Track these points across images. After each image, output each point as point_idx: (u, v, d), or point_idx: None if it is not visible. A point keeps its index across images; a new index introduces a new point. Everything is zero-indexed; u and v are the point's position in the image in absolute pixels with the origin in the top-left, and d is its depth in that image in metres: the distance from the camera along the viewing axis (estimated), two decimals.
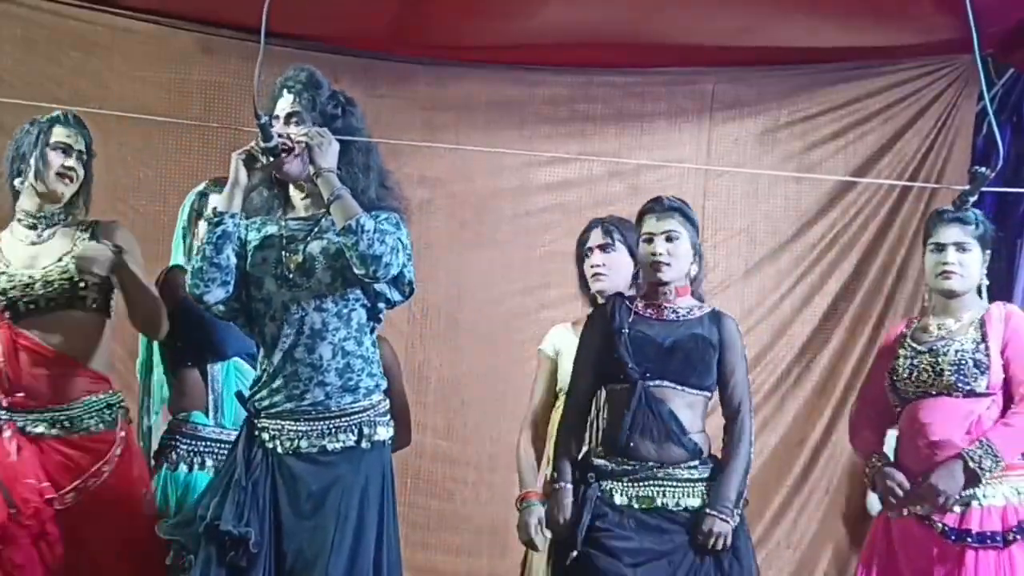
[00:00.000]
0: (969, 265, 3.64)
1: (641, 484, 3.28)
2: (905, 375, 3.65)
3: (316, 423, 3.04)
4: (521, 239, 5.31)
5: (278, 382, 3.07)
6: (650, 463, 3.30)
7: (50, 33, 4.99)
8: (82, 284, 3.45)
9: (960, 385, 3.55)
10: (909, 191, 5.22)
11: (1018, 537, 3.48)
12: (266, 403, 3.09)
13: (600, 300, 3.74)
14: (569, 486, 3.37)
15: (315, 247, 3.08)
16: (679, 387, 3.35)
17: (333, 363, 3.05)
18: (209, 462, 3.67)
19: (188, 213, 3.85)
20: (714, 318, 3.45)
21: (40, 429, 3.40)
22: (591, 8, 4.76)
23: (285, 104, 3.15)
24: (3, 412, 3.39)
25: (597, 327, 3.48)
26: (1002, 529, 3.48)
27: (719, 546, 3.25)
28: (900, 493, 3.56)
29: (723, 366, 3.40)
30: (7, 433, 3.35)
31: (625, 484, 3.31)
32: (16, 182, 3.51)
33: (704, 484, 3.32)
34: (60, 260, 3.48)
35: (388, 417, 3.15)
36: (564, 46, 5.18)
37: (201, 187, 3.85)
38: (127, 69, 5.07)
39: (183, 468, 3.65)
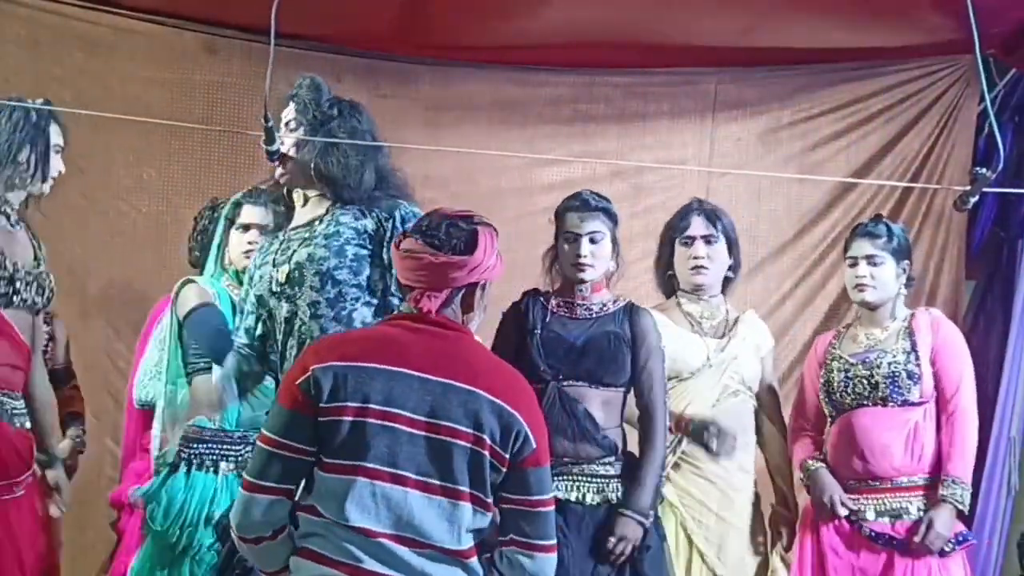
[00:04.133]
0: (881, 277, 3.74)
1: (557, 479, 3.24)
2: (841, 387, 3.75)
3: None
4: (524, 239, 5.30)
5: None
6: (566, 459, 3.31)
7: (53, 33, 4.99)
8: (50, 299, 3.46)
9: (895, 396, 3.67)
10: (911, 192, 5.23)
11: (955, 550, 3.61)
12: None
13: (689, 292, 3.73)
14: None
15: (302, 254, 3.07)
16: (592, 386, 3.36)
17: None
18: (208, 462, 3.70)
19: (222, 223, 3.88)
20: (627, 312, 3.46)
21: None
22: (593, 9, 4.77)
23: (288, 112, 3.20)
24: None
25: (512, 325, 3.48)
26: None
27: (626, 552, 3.26)
28: (838, 510, 3.64)
29: (636, 361, 3.41)
30: None
31: None
32: (17, 179, 3.40)
33: (619, 480, 3.34)
34: (39, 264, 3.42)
35: None
36: (566, 46, 5.18)
37: (237, 196, 3.88)
38: (130, 69, 5.07)
39: (183, 468, 3.69)
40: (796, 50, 5.24)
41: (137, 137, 5.06)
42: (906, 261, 3.79)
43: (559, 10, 4.79)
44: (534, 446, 2.49)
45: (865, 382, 3.69)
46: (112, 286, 5.06)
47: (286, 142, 3.12)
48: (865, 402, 3.69)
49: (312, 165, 3.10)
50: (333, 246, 3.05)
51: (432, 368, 2.49)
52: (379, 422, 2.43)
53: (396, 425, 2.44)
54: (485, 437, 2.45)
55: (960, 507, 3.59)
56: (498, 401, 2.48)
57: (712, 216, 3.83)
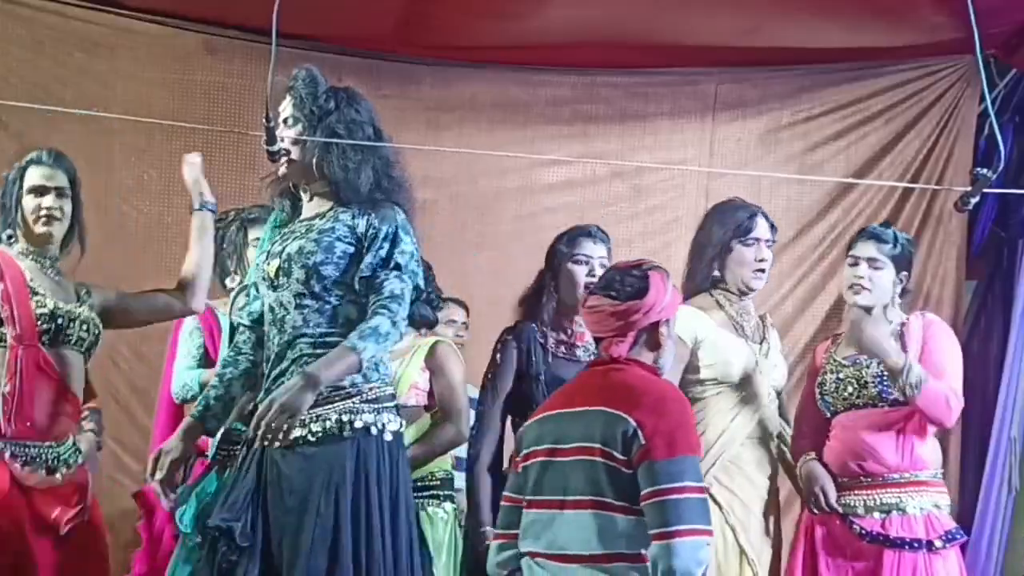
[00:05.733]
0: (878, 281, 3.72)
1: None
2: (832, 389, 3.76)
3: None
4: (524, 239, 5.32)
5: (270, 382, 3.07)
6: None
7: (55, 34, 5.00)
8: (95, 336, 3.46)
9: (884, 396, 3.66)
10: (911, 192, 5.23)
11: (945, 546, 3.60)
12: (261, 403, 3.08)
13: (734, 292, 3.72)
14: (490, 530, 3.36)
15: (293, 247, 3.07)
16: None
17: (313, 358, 2.99)
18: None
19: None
20: None
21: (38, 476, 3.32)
22: (594, 9, 4.77)
23: (285, 107, 3.18)
24: (3, 443, 3.26)
25: (511, 365, 3.54)
26: (924, 537, 3.59)
27: None
28: (829, 500, 3.66)
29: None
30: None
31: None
32: (5, 236, 3.40)
33: None
34: (81, 304, 3.43)
35: (383, 406, 3.05)
36: (567, 47, 5.19)
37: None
38: (131, 70, 5.08)
39: (214, 470, 3.67)
40: (796, 50, 5.25)
41: (138, 137, 5.06)
42: (905, 272, 3.79)
43: (560, 11, 4.80)
44: (642, 442, 2.64)
45: (855, 383, 3.71)
46: (112, 286, 5.06)
47: (286, 139, 3.12)
48: (856, 402, 3.71)
49: (314, 164, 3.11)
50: (323, 242, 3.04)
51: (581, 401, 2.79)
52: (537, 460, 2.82)
53: (546, 459, 2.79)
54: (609, 448, 2.68)
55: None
56: (615, 412, 2.70)
57: (772, 222, 3.83)
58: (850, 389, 3.72)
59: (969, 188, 2.92)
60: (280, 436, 2.92)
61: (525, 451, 2.84)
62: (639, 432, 2.64)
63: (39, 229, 3.39)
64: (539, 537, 2.76)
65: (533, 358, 3.46)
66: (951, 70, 5.24)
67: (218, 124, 4.95)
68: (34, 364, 3.27)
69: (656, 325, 2.84)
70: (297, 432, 2.97)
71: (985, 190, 2.93)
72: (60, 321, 3.33)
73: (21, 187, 3.40)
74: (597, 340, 2.92)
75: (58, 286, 3.43)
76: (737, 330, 3.71)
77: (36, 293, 3.33)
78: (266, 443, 2.94)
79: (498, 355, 3.62)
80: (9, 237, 3.42)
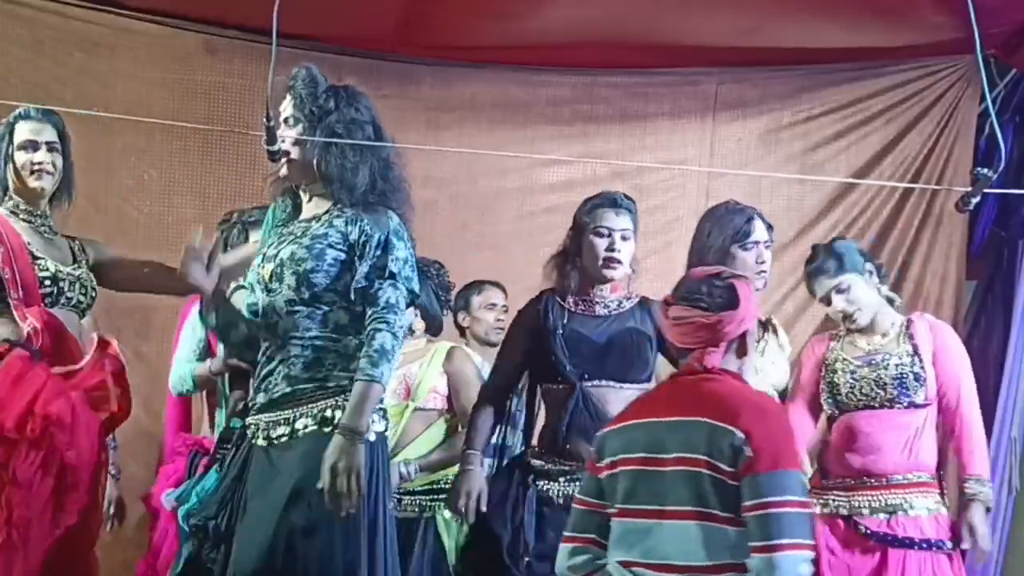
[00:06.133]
0: (860, 298, 3.77)
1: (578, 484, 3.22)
2: (847, 389, 3.77)
3: (283, 411, 3.00)
4: (524, 239, 5.32)
5: (258, 381, 3.09)
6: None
7: (55, 34, 5.00)
8: (91, 300, 3.48)
9: (902, 398, 3.69)
10: (911, 192, 5.23)
11: (953, 548, 3.64)
12: (253, 403, 3.10)
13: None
14: (479, 454, 3.42)
15: (286, 252, 3.06)
16: (618, 384, 3.35)
17: (301, 358, 3.00)
18: None
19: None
20: (644, 307, 3.47)
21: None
22: (594, 9, 4.77)
23: (285, 106, 3.17)
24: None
25: (525, 326, 3.49)
26: (934, 537, 3.62)
27: None
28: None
29: (657, 355, 3.43)
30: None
31: (563, 484, 3.34)
32: None
33: None
34: (79, 266, 3.45)
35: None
36: (567, 47, 5.19)
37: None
38: (132, 70, 5.08)
39: (214, 469, 3.68)
40: (797, 50, 5.25)
41: (138, 137, 5.07)
42: (867, 264, 3.80)
43: (560, 11, 4.80)
44: (749, 454, 2.64)
45: (872, 383, 3.72)
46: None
47: (286, 139, 3.11)
48: (872, 404, 3.72)
49: (314, 164, 3.10)
50: (315, 248, 3.02)
51: (675, 410, 2.76)
52: (628, 468, 2.76)
53: (640, 467, 2.75)
54: (714, 460, 2.66)
55: (989, 504, 3.65)
56: (721, 424, 2.68)
57: (768, 222, 3.83)
58: (867, 389, 3.73)
59: (970, 188, 2.92)
60: (356, 499, 2.86)
61: (611, 459, 2.80)
62: (746, 444, 2.64)
63: (32, 183, 3.41)
64: (634, 546, 2.73)
65: (550, 315, 3.42)
66: (951, 70, 5.24)
67: (218, 124, 4.95)
68: (43, 321, 3.30)
69: (744, 334, 2.84)
70: (282, 429, 2.98)
71: (986, 190, 2.93)
72: (61, 284, 3.36)
73: (11, 143, 3.41)
74: (681, 350, 2.88)
75: (52, 245, 3.44)
76: None
77: (36, 257, 3.35)
78: (343, 513, 2.87)
79: (511, 326, 3.60)
80: (3, 192, 3.41)
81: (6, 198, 3.43)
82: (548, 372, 3.42)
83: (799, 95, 5.42)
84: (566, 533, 2.87)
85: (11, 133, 3.42)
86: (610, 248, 3.41)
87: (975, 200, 2.95)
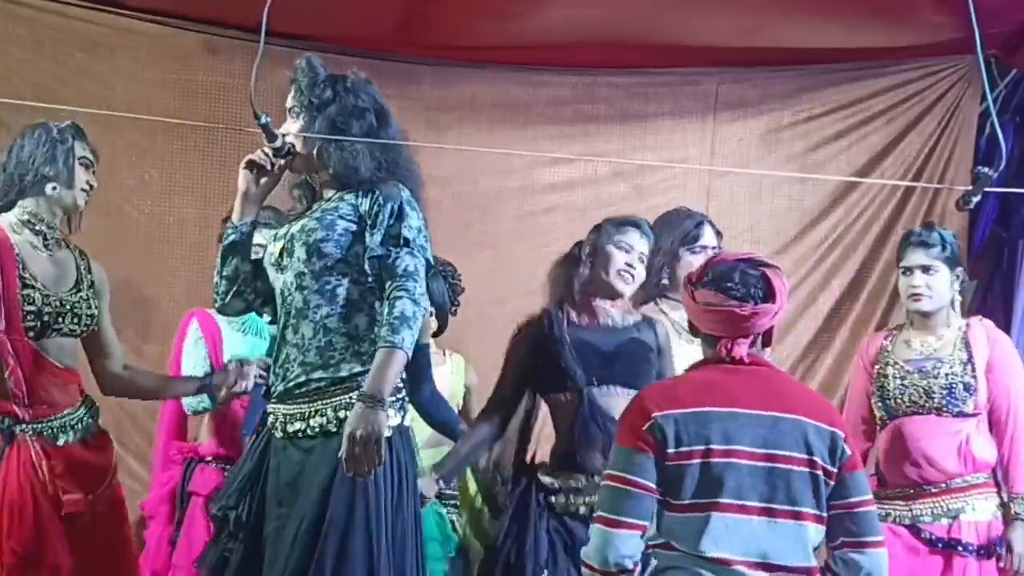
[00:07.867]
0: (936, 286, 3.77)
1: (590, 497, 3.25)
2: (897, 394, 3.78)
3: (299, 404, 2.99)
4: (525, 239, 5.32)
5: (276, 367, 3.07)
6: (596, 478, 3.25)
7: (55, 34, 4.99)
8: (86, 327, 3.46)
9: (950, 407, 3.70)
10: (912, 191, 5.23)
11: (999, 551, 3.65)
12: (272, 388, 3.09)
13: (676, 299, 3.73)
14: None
15: (296, 227, 3.08)
16: (625, 391, 3.35)
17: (314, 342, 2.99)
18: None
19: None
20: (647, 323, 3.54)
21: (65, 437, 3.37)
22: (594, 9, 4.77)
23: (289, 99, 3.18)
24: (26, 425, 3.31)
25: (528, 340, 3.50)
26: (987, 542, 3.64)
27: None
28: None
29: (660, 371, 3.48)
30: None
31: (573, 499, 3.36)
32: (48, 188, 3.35)
33: None
34: (79, 290, 3.43)
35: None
36: (567, 47, 5.19)
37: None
38: (132, 70, 5.08)
39: None
40: (797, 50, 5.25)
41: (139, 137, 5.06)
42: (959, 268, 3.82)
43: (560, 11, 4.79)
44: (850, 452, 2.69)
45: (921, 391, 3.73)
46: (114, 287, 5.05)
47: (288, 136, 3.12)
48: (920, 410, 3.72)
49: (315, 154, 3.11)
50: (325, 220, 3.03)
51: (760, 404, 2.69)
52: (723, 460, 2.64)
53: (738, 461, 2.64)
54: (816, 459, 2.65)
55: None
56: (819, 424, 2.68)
57: (718, 230, 3.85)
58: (915, 395, 3.74)
59: (971, 187, 2.93)
60: (376, 466, 2.84)
61: (690, 448, 2.63)
62: (845, 442, 2.68)
63: (80, 201, 3.43)
64: (732, 544, 2.64)
65: (556, 326, 3.45)
66: (952, 70, 5.24)
67: (219, 124, 4.95)
68: (29, 353, 3.30)
69: (772, 325, 2.81)
70: (298, 425, 2.98)
71: (986, 189, 2.94)
72: (46, 319, 3.32)
73: (74, 155, 3.41)
74: (709, 337, 2.80)
75: (54, 263, 3.41)
76: (681, 334, 3.72)
77: (26, 285, 3.30)
78: (360, 478, 2.86)
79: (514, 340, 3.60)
80: (53, 188, 3.36)
81: (16, 206, 3.38)
82: (555, 382, 3.44)
83: (799, 95, 5.42)
84: (610, 516, 2.65)
85: (74, 145, 3.42)
86: (627, 264, 3.48)
87: (976, 199, 2.96)
